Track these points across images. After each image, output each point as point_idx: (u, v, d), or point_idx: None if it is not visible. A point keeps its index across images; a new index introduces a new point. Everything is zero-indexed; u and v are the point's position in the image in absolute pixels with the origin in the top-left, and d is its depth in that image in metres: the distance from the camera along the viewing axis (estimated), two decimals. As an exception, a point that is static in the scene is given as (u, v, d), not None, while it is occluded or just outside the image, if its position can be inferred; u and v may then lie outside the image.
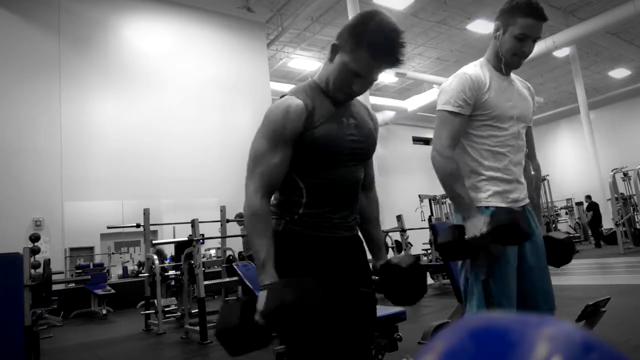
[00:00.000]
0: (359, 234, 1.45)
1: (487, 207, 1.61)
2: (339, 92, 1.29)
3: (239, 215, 7.10)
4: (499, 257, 1.55)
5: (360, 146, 1.34)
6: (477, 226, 1.49)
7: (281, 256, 1.24)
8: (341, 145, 1.28)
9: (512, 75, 1.76)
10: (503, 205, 1.62)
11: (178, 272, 6.00)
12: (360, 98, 1.42)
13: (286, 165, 1.26)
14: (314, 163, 1.28)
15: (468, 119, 1.63)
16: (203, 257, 5.83)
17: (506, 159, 1.65)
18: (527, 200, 1.73)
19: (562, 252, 1.72)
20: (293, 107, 1.24)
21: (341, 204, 1.32)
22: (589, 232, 13.83)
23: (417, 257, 1.41)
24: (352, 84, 1.26)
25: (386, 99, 16.93)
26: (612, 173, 10.38)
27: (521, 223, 1.45)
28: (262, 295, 1.13)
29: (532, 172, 1.88)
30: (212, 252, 9.49)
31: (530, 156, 1.85)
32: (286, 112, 1.23)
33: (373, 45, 1.19)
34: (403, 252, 7.54)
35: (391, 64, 1.23)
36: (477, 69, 1.67)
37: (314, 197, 1.29)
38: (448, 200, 14.62)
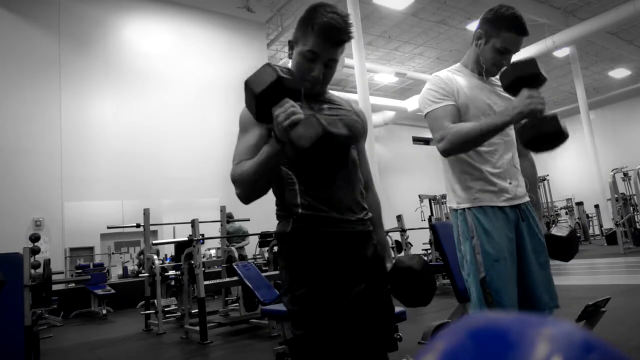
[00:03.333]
0: (371, 229, 1.40)
1: (481, 207, 1.60)
2: (301, 81, 1.33)
3: (229, 216, 7.05)
4: (496, 257, 1.55)
5: None
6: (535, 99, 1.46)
7: (293, 256, 1.26)
8: None
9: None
10: (498, 204, 1.61)
11: (178, 272, 6.00)
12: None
13: (262, 144, 1.25)
14: None
15: (458, 109, 1.62)
16: (203, 257, 5.83)
17: (494, 157, 1.64)
18: (527, 198, 1.72)
19: (567, 247, 1.74)
20: None
21: (337, 189, 1.29)
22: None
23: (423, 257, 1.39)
24: (311, 69, 1.31)
25: (386, 99, 16.92)
26: (612, 173, 10.38)
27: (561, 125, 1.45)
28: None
29: (528, 169, 1.87)
30: (212, 252, 9.49)
31: (521, 153, 1.83)
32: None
33: (319, 26, 1.26)
34: (403, 252, 7.55)
35: (338, 37, 1.28)
36: (448, 73, 1.71)
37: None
38: (448, 201, 14.58)
